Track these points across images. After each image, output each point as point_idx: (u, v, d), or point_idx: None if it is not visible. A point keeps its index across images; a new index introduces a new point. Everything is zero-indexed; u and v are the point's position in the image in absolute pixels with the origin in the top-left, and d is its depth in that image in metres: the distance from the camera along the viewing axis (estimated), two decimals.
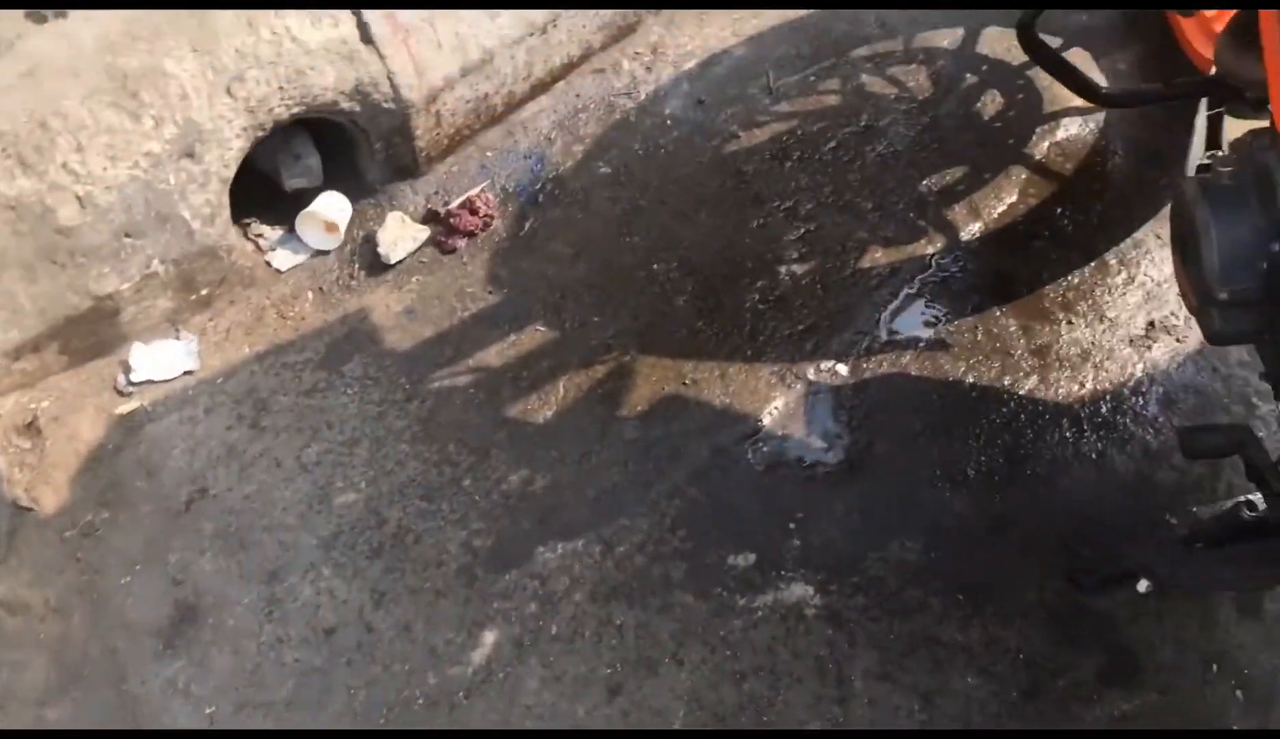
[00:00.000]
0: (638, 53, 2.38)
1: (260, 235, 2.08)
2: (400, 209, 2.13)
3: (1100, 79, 2.20)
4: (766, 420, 1.80)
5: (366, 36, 1.95)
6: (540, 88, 2.28)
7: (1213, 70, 1.61)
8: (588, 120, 2.27)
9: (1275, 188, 1.28)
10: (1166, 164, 2.06)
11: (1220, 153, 1.58)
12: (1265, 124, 1.50)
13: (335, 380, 1.90)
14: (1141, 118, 2.14)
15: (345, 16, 1.93)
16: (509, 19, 2.11)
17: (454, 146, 2.19)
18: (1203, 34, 2.11)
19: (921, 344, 1.87)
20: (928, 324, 1.90)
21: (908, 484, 1.71)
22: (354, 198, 2.14)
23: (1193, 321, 1.85)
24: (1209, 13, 2.06)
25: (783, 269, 1.98)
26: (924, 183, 2.09)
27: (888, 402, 1.80)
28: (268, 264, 2.06)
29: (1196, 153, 1.58)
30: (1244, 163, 1.36)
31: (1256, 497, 1.37)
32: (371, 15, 1.94)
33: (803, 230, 2.04)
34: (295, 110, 1.92)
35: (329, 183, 2.13)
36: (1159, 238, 1.97)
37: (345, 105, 1.98)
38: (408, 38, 2.00)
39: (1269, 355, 1.39)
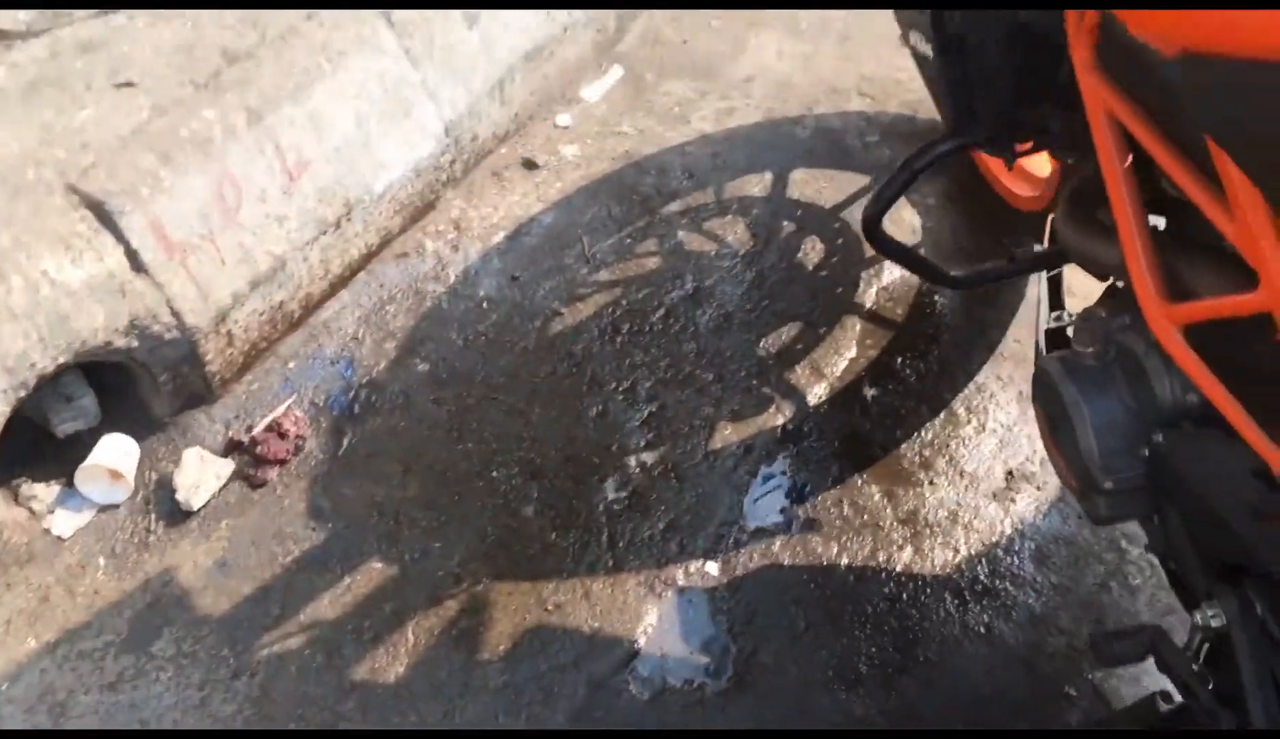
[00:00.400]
0: (440, 231, 2.23)
1: (34, 498, 1.79)
2: (197, 443, 1.89)
3: (912, 215, 2.21)
4: (642, 640, 1.65)
5: (138, 265, 1.72)
6: (340, 282, 2.09)
7: (1047, 230, 1.59)
8: (396, 312, 2.10)
9: (1147, 375, 1.24)
10: (992, 300, 2.06)
11: (1064, 313, 1.56)
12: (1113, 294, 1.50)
13: (145, 664, 1.64)
14: (959, 252, 2.14)
15: (110, 248, 1.69)
16: (297, 221, 1.92)
17: (251, 362, 1.97)
18: (1005, 167, 2.14)
19: (790, 528, 1.77)
20: (793, 503, 1.80)
21: (801, 692, 1.60)
22: (140, 435, 1.89)
23: (1050, 466, 1.84)
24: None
25: (632, 461, 1.86)
26: (761, 345, 2.01)
27: (766, 599, 1.69)
28: (47, 532, 1.78)
29: (1043, 318, 1.55)
30: (1105, 343, 1.33)
31: (1170, 688, 1.32)
32: (141, 242, 1.71)
33: (646, 413, 1.92)
34: (62, 359, 1.67)
35: (108, 421, 1.88)
36: (1000, 380, 1.95)
37: (121, 343, 1.74)
38: (186, 259, 1.78)
39: (1155, 533, 1.35)
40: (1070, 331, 1.55)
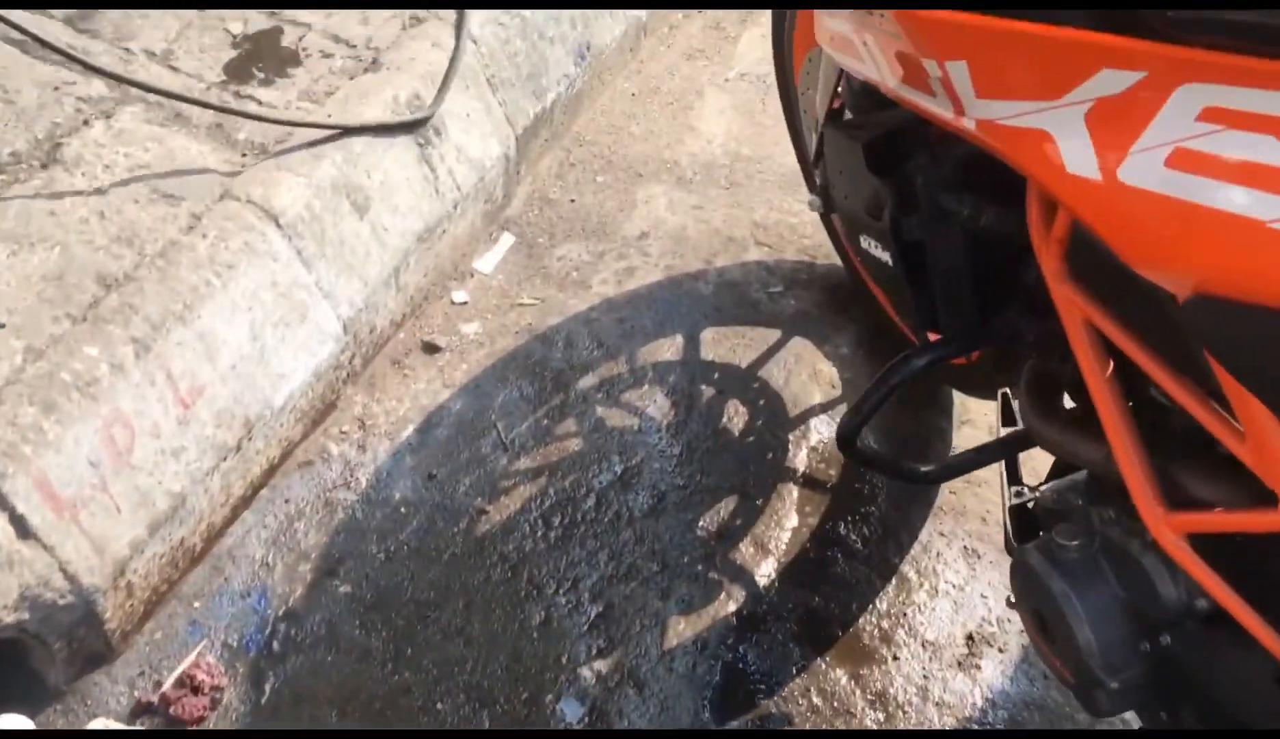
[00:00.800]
0: (344, 432, 2.09)
1: None
2: (100, 710, 1.69)
3: (829, 368, 2.19)
4: None
5: (25, 531, 1.54)
6: (243, 504, 1.93)
7: (999, 405, 1.58)
8: (306, 529, 1.94)
9: (1146, 574, 1.21)
10: (922, 452, 2.05)
11: (1024, 488, 1.54)
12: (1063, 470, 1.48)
13: None
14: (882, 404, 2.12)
15: None
16: (195, 452, 1.77)
17: (152, 609, 1.79)
18: None
19: (762, 726, 1.69)
20: (760, 699, 1.72)
21: None
22: (34, 708, 1.68)
23: (1007, 623, 1.82)
24: None
25: (585, 671, 1.75)
26: (700, 525, 1.94)
27: None
28: None
29: (1006, 498, 1.53)
30: (1088, 534, 1.31)
31: None
32: (27, 505, 1.54)
33: (593, 615, 1.82)
34: None
35: None
36: (943, 536, 1.92)
37: (11, 619, 1.54)
38: (77, 515, 1.61)
39: (1156, 721, 1.32)
40: (1030, 506, 1.53)
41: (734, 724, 1.68)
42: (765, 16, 3.04)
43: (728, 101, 2.82)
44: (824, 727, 1.69)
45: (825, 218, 2.17)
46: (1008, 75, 0.95)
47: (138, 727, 1.70)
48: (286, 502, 1.98)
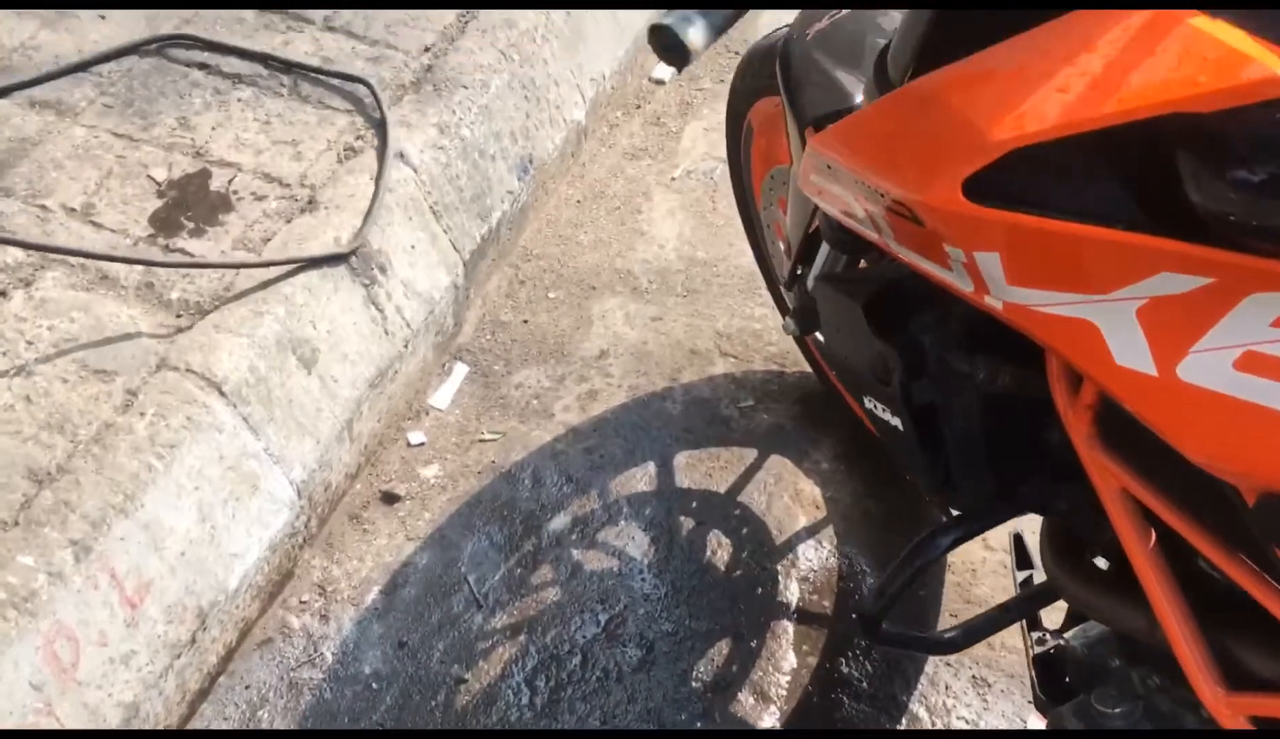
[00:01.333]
0: (304, 602, 1.95)
1: None
2: None
3: (811, 487, 2.09)
4: None
5: None
6: (200, 697, 1.78)
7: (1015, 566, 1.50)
8: (272, 717, 1.80)
9: None
10: (920, 581, 1.96)
11: (1046, 635, 1.45)
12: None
13: None
14: (869, 521, 2.04)
15: None
16: (146, 655, 1.62)
17: None
18: None
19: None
20: None
21: None
22: None
23: None
24: None
25: None
26: (694, 676, 1.83)
27: None
28: None
29: (1029, 647, 1.44)
30: (1131, 701, 1.23)
31: None
32: None
33: None
34: None
35: None
36: (949, 666, 1.83)
37: None
38: None
39: None
40: (1054, 652, 1.45)
41: None
42: (707, 109, 2.98)
43: (677, 202, 2.74)
44: None
45: (799, 338, 2.09)
46: (1048, 268, 0.86)
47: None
48: (247, 687, 1.83)
